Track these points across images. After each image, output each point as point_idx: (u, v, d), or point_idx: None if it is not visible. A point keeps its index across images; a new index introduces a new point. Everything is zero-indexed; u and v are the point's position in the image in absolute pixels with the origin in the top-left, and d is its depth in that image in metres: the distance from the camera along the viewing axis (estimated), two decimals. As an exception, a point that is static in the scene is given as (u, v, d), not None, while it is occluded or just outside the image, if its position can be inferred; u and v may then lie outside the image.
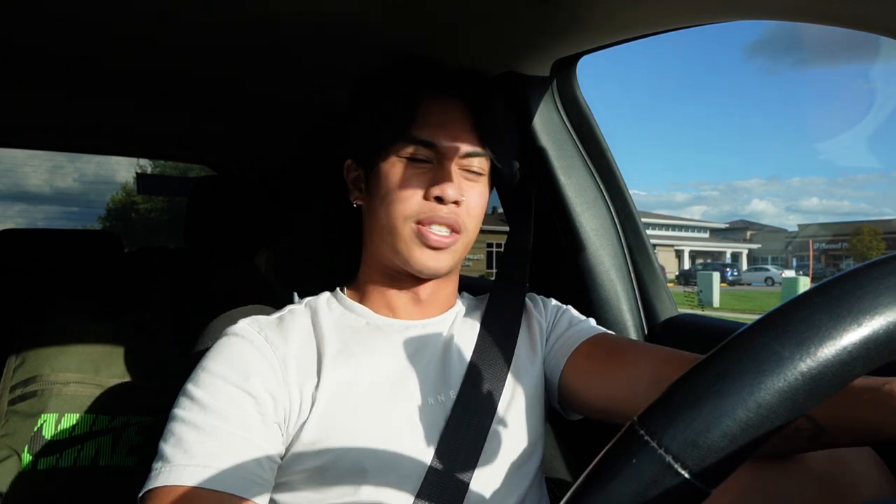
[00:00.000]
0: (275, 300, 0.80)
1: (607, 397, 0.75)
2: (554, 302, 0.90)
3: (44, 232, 1.53)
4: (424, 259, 0.75)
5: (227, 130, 1.74)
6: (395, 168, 0.75)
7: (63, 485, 0.95)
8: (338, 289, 0.83)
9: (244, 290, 1.31)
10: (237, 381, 0.65)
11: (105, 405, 1.01)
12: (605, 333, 0.82)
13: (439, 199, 0.73)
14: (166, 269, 1.40)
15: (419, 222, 0.74)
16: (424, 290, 0.80)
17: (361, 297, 0.81)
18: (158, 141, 1.96)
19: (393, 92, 0.77)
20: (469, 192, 0.76)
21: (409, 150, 0.75)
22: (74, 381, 1.01)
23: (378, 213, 0.76)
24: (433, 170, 0.75)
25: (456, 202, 0.74)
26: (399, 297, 0.80)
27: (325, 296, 0.82)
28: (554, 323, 0.86)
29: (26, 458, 0.95)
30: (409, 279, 0.79)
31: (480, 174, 0.78)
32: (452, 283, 0.84)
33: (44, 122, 1.67)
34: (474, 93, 0.79)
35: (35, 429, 0.96)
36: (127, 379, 1.04)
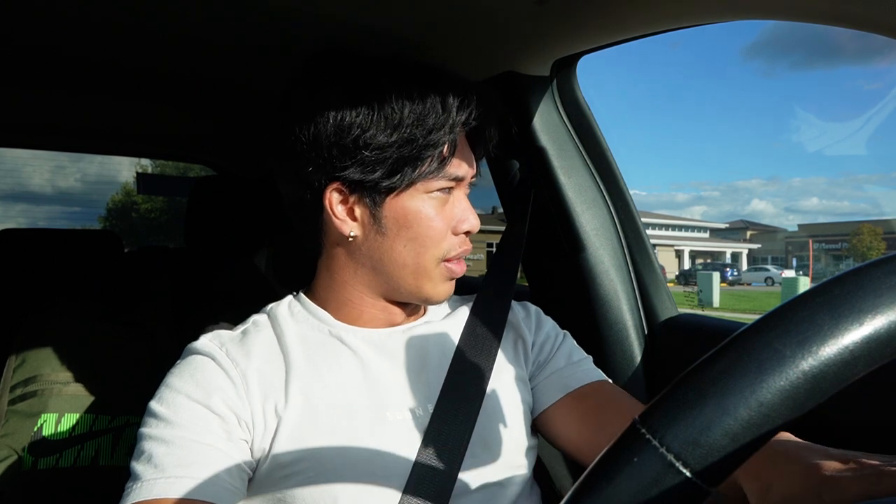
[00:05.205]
0: (275, 300, 0.80)
1: (589, 445, 0.73)
2: (551, 323, 0.85)
3: (44, 232, 1.53)
4: (446, 290, 0.74)
5: (228, 130, 1.74)
6: (424, 206, 0.70)
7: (63, 485, 0.95)
8: (301, 293, 0.79)
9: (244, 290, 1.31)
10: (200, 398, 0.63)
11: (105, 405, 1.01)
12: (605, 381, 0.79)
13: (466, 233, 0.72)
14: (166, 269, 1.40)
15: (447, 259, 0.72)
16: (407, 307, 0.77)
17: (324, 303, 0.76)
18: (158, 141, 1.96)
19: (431, 122, 0.67)
20: None
21: (439, 184, 0.70)
22: (74, 381, 1.01)
23: (396, 250, 0.70)
24: (447, 198, 0.72)
25: None
26: (373, 311, 0.75)
27: (287, 300, 0.78)
28: (551, 350, 0.81)
29: (26, 458, 0.95)
30: (401, 303, 0.76)
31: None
32: None
33: (45, 123, 1.67)
34: (486, 114, 0.73)
35: (35, 429, 0.96)
36: (127, 379, 1.04)
